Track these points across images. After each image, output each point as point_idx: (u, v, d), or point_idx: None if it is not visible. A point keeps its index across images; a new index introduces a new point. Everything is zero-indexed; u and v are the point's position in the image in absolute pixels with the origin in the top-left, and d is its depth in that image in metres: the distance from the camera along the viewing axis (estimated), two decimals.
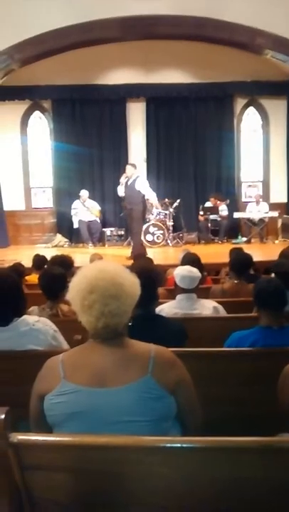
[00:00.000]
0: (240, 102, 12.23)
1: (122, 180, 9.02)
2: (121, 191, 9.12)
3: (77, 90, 11.47)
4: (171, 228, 11.00)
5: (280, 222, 11.54)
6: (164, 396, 1.65)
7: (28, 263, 5.94)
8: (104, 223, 11.54)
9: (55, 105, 11.90)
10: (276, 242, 11.02)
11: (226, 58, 10.23)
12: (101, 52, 9.80)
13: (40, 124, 12.32)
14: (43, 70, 9.89)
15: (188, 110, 12.01)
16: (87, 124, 11.95)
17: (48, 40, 8.02)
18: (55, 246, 11.36)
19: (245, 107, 12.34)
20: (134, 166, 9.20)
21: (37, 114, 12.25)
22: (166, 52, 10.62)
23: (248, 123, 12.51)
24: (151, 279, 2.80)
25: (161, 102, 11.81)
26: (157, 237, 10.69)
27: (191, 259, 4.35)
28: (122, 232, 11.30)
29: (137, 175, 9.05)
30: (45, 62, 8.80)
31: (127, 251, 9.33)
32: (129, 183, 8.98)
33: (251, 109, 12.40)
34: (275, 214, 11.17)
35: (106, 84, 11.47)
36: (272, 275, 4.23)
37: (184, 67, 11.38)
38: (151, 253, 9.15)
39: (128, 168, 9.11)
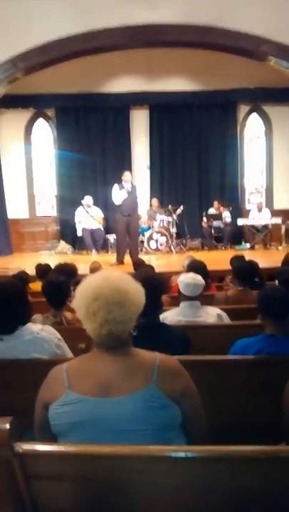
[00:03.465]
0: (243, 109, 12.29)
1: (128, 186, 8.92)
2: (120, 199, 8.89)
3: (81, 98, 11.56)
4: (174, 235, 11.01)
5: (283, 229, 11.51)
6: (169, 405, 1.65)
7: (31, 271, 5.94)
8: (108, 230, 11.53)
9: (58, 113, 11.99)
10: (280, 248, 10.99)
11: (229, 65, 10.26)
12: (105, 60, 9.85)
13: (44, 132, 12.40)
14: (47, 78, 9.94)
15: (192, 117, 12.06)
16: (90, 131, 12.01)
17: (53, 48, 8.06)
18: (59, 253, 11.39)
19: (249, 113, 12.39)
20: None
21: (41, 122, 12.34)
22: (170, 60, 10.66)
23: (252, 129, 12.55)
24: (156, 287, 2.79)
25: (165, 110, 11.86)
26: (160, 244, 10.68)
27: (196, 266, 4.32)
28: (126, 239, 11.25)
29: (132, 183, 9.07)
30: (49, 70, 8.84)
31: (128, 257, 9.22)
32: (130, 190, 8.95)
33: (254, 116, 12.45)
34: (279, 220, 11.17)
35: (109, 92, 11.55)
36: (276, 282, 4.22)
37: (187, 75, 11.43)
38: (154, 260, 9.14)
39: (127, 174, 9.05)
